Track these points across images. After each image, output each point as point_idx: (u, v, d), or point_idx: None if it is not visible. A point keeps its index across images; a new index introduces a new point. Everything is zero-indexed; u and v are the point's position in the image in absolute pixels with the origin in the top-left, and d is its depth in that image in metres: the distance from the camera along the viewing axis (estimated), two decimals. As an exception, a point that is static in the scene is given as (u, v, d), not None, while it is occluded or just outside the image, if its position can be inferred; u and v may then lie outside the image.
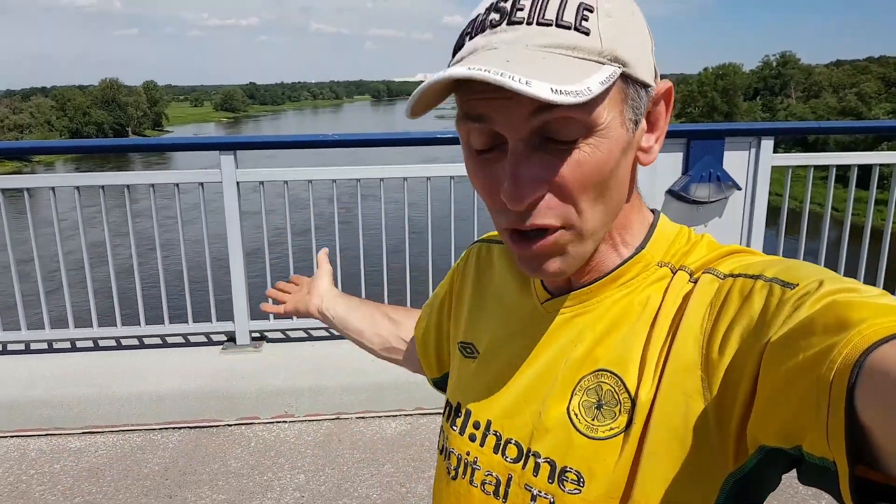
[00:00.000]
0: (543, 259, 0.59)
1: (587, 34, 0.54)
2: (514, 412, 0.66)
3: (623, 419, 0.59)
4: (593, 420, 0.60)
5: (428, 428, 3.01)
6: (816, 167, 3.51)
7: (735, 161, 3.46)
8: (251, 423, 3.13)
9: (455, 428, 0.71)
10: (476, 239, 0.89)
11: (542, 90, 0.49)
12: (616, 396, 0.60)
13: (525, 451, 0.64)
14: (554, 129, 0.55)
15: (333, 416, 3.17)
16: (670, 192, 3.49)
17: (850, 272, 3.61)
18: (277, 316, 3.56)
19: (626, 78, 0.56)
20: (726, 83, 62.39)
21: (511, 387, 0.67)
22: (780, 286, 0.53)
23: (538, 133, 0.55)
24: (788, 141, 25.90)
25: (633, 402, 0.59)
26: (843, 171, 3.55)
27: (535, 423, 0.64)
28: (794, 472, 0.52)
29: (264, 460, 2.85)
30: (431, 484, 2.74)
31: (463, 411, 0.71)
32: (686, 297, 0.60)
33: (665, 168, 3.47)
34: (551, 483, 0.61)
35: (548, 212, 0.57)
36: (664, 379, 0.58)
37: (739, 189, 3.48)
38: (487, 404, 0.68)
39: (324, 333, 3.75)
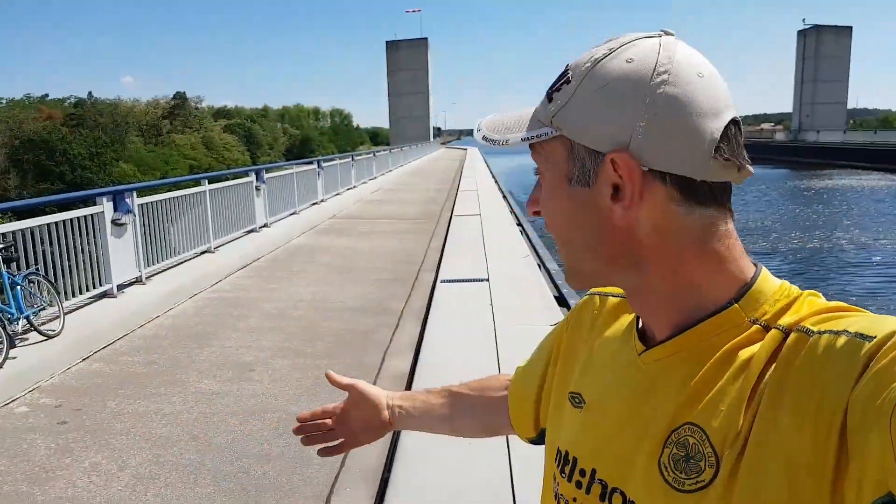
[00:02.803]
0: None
1: (550, 101, 0.66)
2: (617, 462, 0.69)
3: (709, 473, 0.60)
4: (681, 473, 0.62)
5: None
6: None
7: None
8: None
9: (564, 475, 0.75)
10: (591, 290, 0.87)
11: (478, 137, 0.70)
12: (701, 450, 0.61)
13: (625, 500, 0.67)
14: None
15: None
16: None
17: None
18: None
19: (571, 140, 0.65)
20: None
21: (614, 438, 0.70)
22: (858, 339, 0.54)
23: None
24: None
25: (717, 457, 0.60)
26: None
27: (632, 473, 0.66)
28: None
29: None
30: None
31: (571, 459, 0.74)
32: (774, 355, 0.60)
33: None
34: None
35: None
36: (750, 438, 0.58)
37: None
38: (592, 453, 0.72)
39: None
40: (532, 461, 3.33)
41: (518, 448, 3.38)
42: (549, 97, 0.66)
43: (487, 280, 7.08)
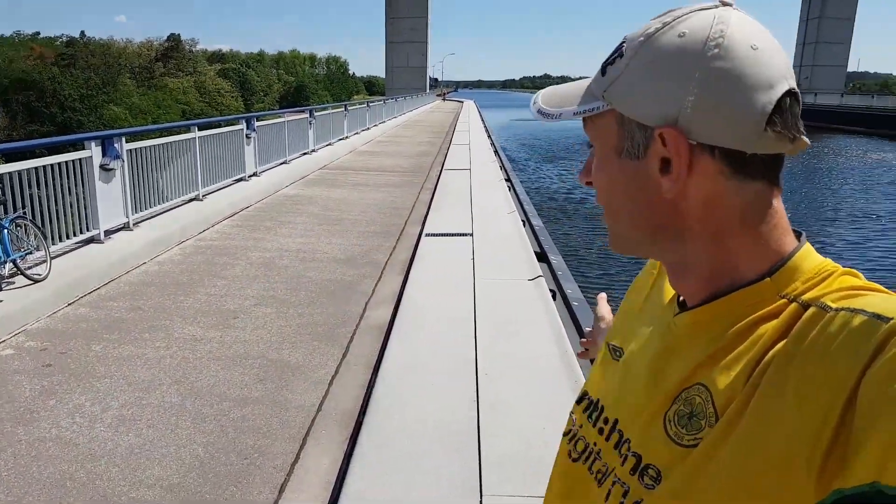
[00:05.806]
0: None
1: (603, 74, 0.67)
2: (631, 413, 0.71)
3: (707, 432, 0.61)
4: (682, 428, 0.64)
5: None
6: None
7: None
8: None
9: (591, 420, 0.77)
10: None
11: (533, 110, 0.70)
12: (704, 410, 0.62)
13: (629, 447, 0.70)
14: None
15: None
16: None
17: None
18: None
19: (621, 114, 0.65)
20: None
21: (634, 390, 0.72)
22: (875, 320, 0.53)
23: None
24: None
25: (718, 419, 0.61)
26: None
27: (640, 423, 0.69)
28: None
29: None
30: None
31: (599, 406, 0.77)
32: (788, 328, 0.60)
33: None
34: (633, 475, 0.67)
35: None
36: (750, 406, 0.58)
37: None
38: (616, 403, 0.75)
39: None
40: (498, 408, 3.60)
41: (486, 395, 3.53)
42: (603, 71, 0.66)
43: (471, 235, 7.13)
